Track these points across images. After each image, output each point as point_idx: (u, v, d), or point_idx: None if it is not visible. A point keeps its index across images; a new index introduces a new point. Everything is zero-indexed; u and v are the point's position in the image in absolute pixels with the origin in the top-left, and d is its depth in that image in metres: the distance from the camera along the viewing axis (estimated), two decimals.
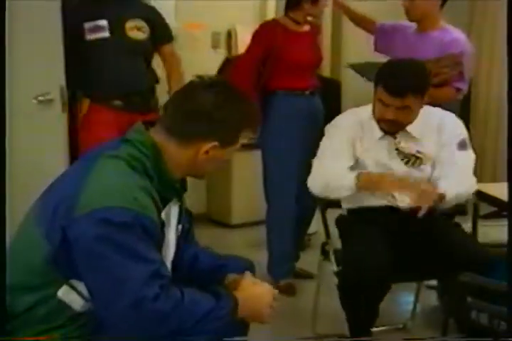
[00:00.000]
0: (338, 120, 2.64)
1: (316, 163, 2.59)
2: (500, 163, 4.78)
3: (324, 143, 2.61)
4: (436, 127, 2.53)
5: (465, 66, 3.09)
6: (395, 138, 2.51)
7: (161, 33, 3.27)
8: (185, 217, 1.81)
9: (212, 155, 1.62)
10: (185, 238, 1.83)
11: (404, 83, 2.34)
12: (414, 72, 2.39)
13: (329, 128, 2.63)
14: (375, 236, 2.42)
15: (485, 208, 3.12)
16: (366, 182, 2.43)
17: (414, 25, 3.21)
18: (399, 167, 2.51)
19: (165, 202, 1.63)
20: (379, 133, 2.52)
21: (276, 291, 1.73)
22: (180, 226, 1.76)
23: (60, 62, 3.16)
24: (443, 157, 2.52)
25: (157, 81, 3.35)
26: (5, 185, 1.68)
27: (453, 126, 2.58)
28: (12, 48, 3.32)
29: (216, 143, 1.60)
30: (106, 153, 1.59)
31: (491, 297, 1.73)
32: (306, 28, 3.30)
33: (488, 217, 3.50)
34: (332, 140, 2.58)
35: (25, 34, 3.27)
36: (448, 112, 2.63)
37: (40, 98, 3.18)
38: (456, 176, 2.46)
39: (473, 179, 2.54)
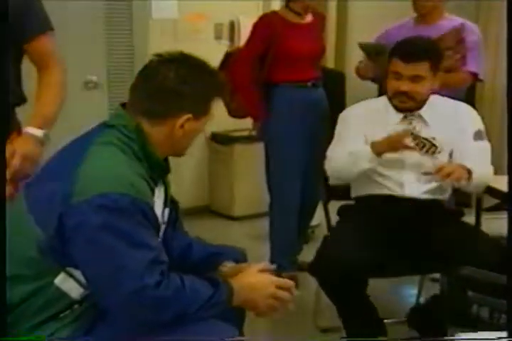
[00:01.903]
0: (350, 109, 2.69)
1: (329, 151, 2.61)
2: (505, 155, 4.76)
3: (337, 132, 2.63)
4: (451, 116, 2.55)
5: (480, 51, 3.08)
6: (410, 123, 2.52)
7: (18, 19, 2.04)
8: (171, 204, 1.81)
9: (188, 128, 1.64)
10: (173, 226, 1.84)
11: (417, 48, 2.46)
12: (426, 42, 2.55)
13: (341, 117, 2.66)
14: (365, 232, 2.39)
15: (488, 201, 3.10)
16: (380, 145, 2.44)
17: (410, 19, 3.17)
18: (412, 153, 2.49)
19: (154, 184, 1.64)
20: (396, 118, 2.53)
21: (287, 281, 1.71)
22: (167, 211, 1.76)
23: (102, 47, 3.38)
24: (460, 146, 2.52)
25: (20, 101, 2.23)
26: (5, 183, 1.69)
27: (468, 115, 2.60)
28: (63, 35, 3.49)
29: (190, 116, 1.62)
30: (96, 139, 1.59)
31: (491, 290, 1.72)
32: (308, 19, 3.27)
33: (491, 209, 3.48)
34: (343, 129, 2.61)
35: (74, 23, 3.63)
36: (462, 102, 2.64)
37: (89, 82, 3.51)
38: (476, 163, 2.46)
39: (491, 168, 2.56)
